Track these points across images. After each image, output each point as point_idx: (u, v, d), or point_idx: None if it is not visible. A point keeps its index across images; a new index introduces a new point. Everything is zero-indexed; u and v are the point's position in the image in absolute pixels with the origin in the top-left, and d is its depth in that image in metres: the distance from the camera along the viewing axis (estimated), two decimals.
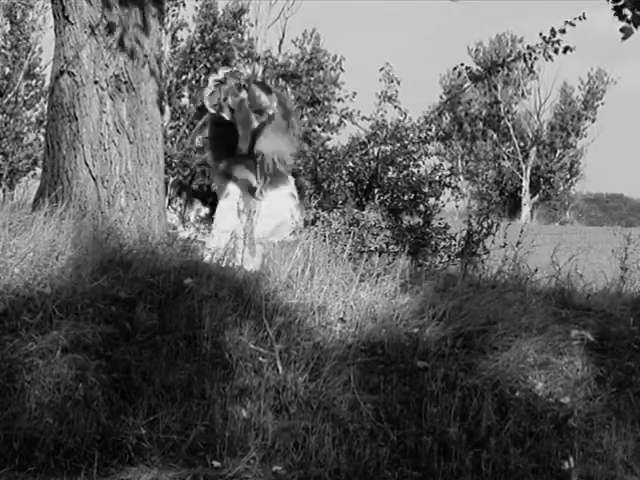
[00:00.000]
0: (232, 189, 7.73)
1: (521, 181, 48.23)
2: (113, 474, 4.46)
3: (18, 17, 34.13)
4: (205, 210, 7.88)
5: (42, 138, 27.76)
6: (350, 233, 7.15)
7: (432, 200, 8.73)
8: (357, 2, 63.73)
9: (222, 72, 8.00)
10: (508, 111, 48.19)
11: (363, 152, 8.79)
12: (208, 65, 29.38)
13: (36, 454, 4.50)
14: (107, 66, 6.59)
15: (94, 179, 6.57)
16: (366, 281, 5.83)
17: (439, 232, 8.40)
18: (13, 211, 6.22)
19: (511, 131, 48.13)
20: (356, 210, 7.98)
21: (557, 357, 5.49)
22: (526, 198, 47.81)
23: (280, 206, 7.60)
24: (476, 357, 5.40)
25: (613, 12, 5.49)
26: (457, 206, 9.66)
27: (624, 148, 71.17)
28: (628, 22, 5.47)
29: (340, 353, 5.24)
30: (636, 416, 5.23)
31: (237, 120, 7.69)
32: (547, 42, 8.86)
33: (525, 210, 47.31)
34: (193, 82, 30.17)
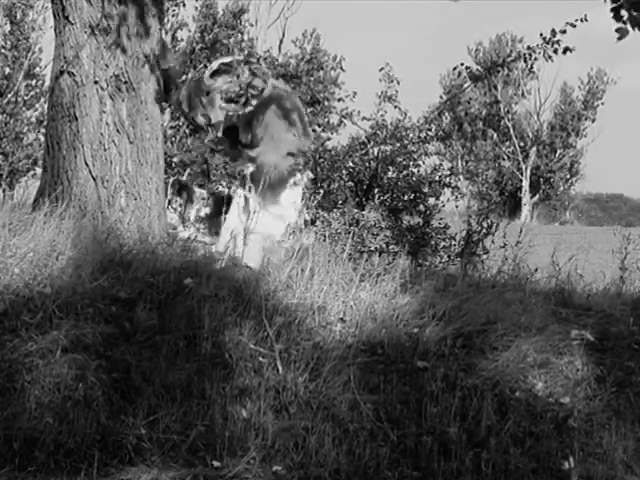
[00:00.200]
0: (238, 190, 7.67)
1: (521, 181, 48.26)
2: (113, 474, 4.46)
3: (18, 17, 34.14)
4: (205, 210, 7.86)
5: (42, 138, 27.76)
6: (350, 233, 7.15)
7: (432, 200, 8.73)
8: (357, 2, 63.79)
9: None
10: (508, 111, 48.21)
11: (363, 152, 8.79)
12: (208, 65, 29.36)
13: (36, 454, 4.50)
14: (107, 66, 6.59)
15: (94, 179, 6.56)
16: (366, 281, 5.83)
17: (439, 232, 8.41)
18: (13, 211, 6.22)
19: (511, 131, 48.17)
20: (356, 210, 7.99)
21: (557, 357, 5.49)
22: (526, 198, 47.84)
23: (284, 209, 7.51)
24: (476, 357, 5.40)
25: (611, 14, 5.49)
26: (457, 206, 9.67)
27: (624, 148, 71.29)
28: (624, 23, 5.47)
29: (340, 353, 5.24)
30: (636, 416, 5.23)
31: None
32: (547, 42, 8.85)
33: (525, 210, 47.33)
34: None
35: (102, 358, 4.95)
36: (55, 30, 6.75)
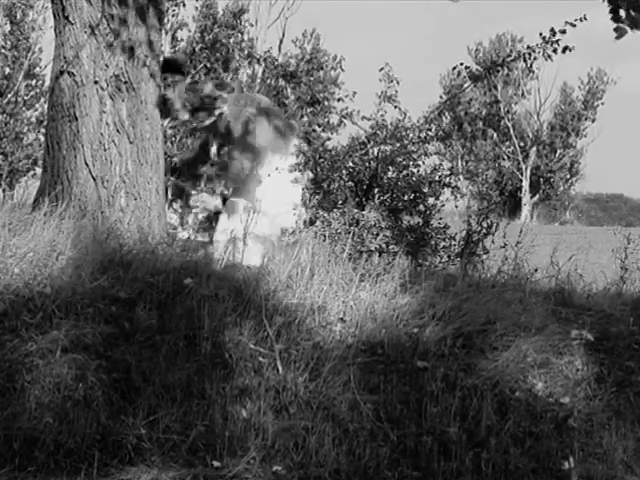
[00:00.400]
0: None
1: (521, 181, 48.25)
2: (113, 474, 4.46)
3: (18, 17, 34.12)
4: (203, 213, 7.86)
5: (42, 138, 27.75)
6: (350, 233, 7.14)
7: (432, 200, 8.72)
8: (357, 2, 63.78)
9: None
10: (508, 111, 48.19)
11: (363, 152, 8.77)
12: (208, 65, 29.38)
13: (36, 454, 4.50)
14: (107, 66, 6.59)
15: (94, 179, 6.57)
16: (366, 281, 5.83)
17: (439, 232, 8.39)
18: (13, 211, 6.22)
19: (511, 131, 48.15)
20: (356, 210, 7.97)
21: (557, 357, 5.49)
22: (526, 198, 47.82)
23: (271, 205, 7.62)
24: (476, 357, 5.40)
25: (610, 14, 5.48)
26: (457, 206, 9.65)
27: (624, 148, 71.21)
28: (622, 22, 5.47)
29: (340, 353, 5.24)
30: (636, 416, 5.23)
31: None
32: (546, 42, 8.84)
33: (525, 210, 47.31)
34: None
35: (102, 358, 4.95)
36: (55, 30, 6.76)
